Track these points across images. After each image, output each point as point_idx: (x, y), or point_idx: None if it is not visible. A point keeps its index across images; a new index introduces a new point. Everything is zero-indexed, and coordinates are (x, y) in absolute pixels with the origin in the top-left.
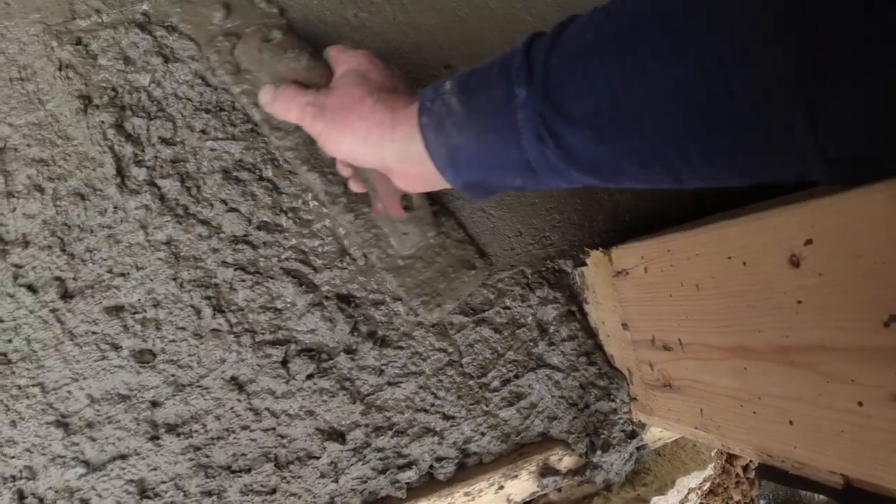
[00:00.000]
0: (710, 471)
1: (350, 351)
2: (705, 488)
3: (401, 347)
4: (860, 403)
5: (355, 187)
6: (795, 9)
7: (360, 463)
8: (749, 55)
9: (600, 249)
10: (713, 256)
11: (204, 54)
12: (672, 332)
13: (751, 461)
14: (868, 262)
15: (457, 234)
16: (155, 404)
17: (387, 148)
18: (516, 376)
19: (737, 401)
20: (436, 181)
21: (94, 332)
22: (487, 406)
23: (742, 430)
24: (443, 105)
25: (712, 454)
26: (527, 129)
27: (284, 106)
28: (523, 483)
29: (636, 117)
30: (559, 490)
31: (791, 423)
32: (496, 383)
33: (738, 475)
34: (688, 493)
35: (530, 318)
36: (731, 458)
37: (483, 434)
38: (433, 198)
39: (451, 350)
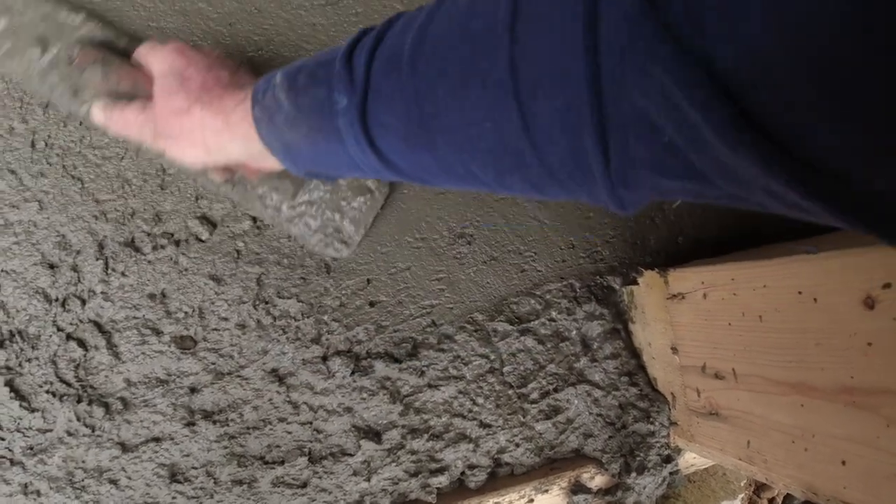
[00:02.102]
0: (738, 501)
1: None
2: None
3: (442, 350)
4: None
5: (216, 176)
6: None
7: (394, 464)
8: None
9: (656, 270)
10: (782, 290)
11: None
12: (727, 361)
13: (777, 494)
14: None
15: None
16: (193, 391)
17: (230, 150)
18: (556, 390)
19: (789, 436)
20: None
21: (135, 317)
22: (524, 417)
23: (791, 466)
24: (273, 99)
25: (742, 484)
26: (348, 134)
27: (122, 127)
28: (553, 498)
29: (434, 137)
30: None
31: (844, 463)
32: (535, 395)
33: None
34: None
35: (574, 332)
36: (758, 489)
37: (517, 445)
38: None
39: (492, 357)
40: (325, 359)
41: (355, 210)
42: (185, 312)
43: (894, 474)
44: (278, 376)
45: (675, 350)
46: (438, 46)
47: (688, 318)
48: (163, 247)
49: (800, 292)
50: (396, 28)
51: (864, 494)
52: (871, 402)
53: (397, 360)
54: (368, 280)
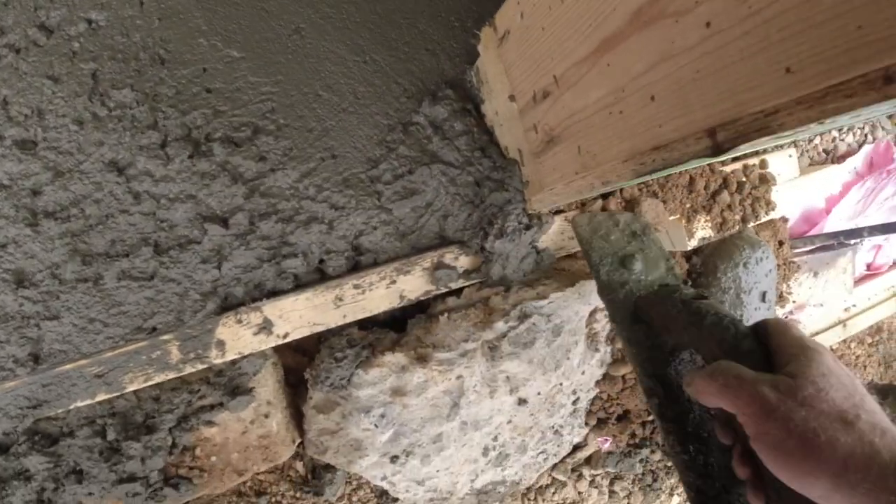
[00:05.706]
0: None
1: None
2: None
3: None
4: (708, 24)
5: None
6: None
7: (244, 248)
8: None
9: (486, 23)
10: None
11: None
12: (548, 72)
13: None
14: None
15: None
16: (35, 193)
17: (858, 489)
18: (409, 171)
19: (605, 110)
20: None
21: None
22: (379, 200)
23: (613, 142)
24: None
25: None
26: None
27: (726, 387)
28: (416, 279)
29: None
30: (458, 296)
31: (653, 98)
32: (388, 176)
33: None
34: (595, 311)
35: (423, 118)
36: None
37: (375, 228)
38: None
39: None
40: (162, 145)
41: None
42: (25, 115)
43: (696, 71)
44: (117, 167)
45: (512, 98)
46: None
47: (515, 52)
48: (4, 56)
49: None
50: None
51: (678, 117)
52: (656, 10)
53: (237, 144)
54: (204, 69)
